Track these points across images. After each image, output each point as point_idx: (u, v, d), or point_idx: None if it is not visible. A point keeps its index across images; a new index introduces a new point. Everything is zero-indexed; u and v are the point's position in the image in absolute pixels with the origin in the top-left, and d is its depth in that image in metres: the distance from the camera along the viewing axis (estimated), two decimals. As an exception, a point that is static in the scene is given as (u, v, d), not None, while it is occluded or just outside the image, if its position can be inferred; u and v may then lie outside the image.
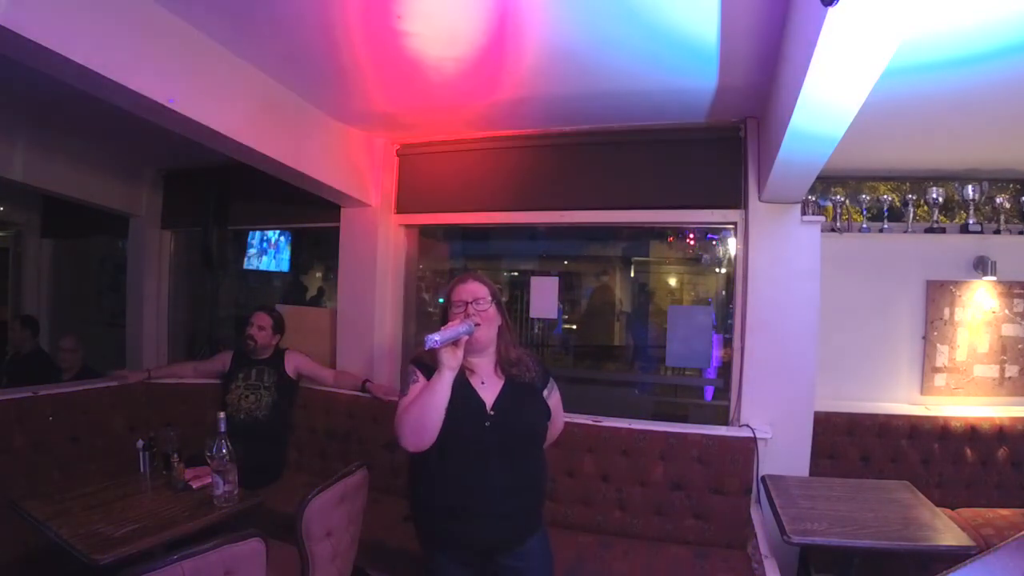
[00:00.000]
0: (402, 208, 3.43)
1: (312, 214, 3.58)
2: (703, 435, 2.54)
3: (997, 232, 2.89)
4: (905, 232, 2.96)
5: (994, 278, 2.85)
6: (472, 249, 4.32)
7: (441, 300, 1.70)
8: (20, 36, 1.52)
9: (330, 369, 3.28)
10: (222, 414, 2.13)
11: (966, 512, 2.57)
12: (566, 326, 4.43)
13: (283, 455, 3.08)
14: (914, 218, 2.98)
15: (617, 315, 4.41)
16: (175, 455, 2.26)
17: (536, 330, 4.28)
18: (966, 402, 2.92)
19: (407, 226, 3.51)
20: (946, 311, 2.98)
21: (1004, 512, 2.56)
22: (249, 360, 3.06)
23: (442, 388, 1.43)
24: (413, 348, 3.36)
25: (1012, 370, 2.93)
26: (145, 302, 4.16)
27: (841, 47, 1.29)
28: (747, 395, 2.72)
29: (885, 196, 3.02)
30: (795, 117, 1.69)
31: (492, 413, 1.55)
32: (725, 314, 3.08)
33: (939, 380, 2.98)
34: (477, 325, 1.50)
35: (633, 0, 1.76)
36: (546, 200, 3.12)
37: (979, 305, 2.95)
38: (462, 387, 1.51)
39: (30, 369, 3.61)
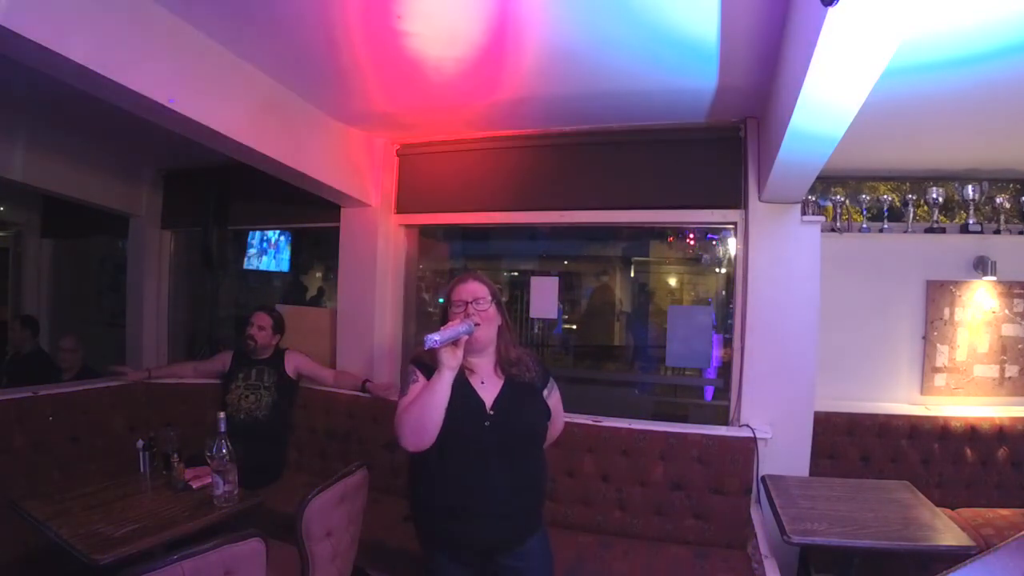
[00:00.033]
0: (402, 208, 3.44)
1: (312, 214, 3.58)
2: (703, 435, 2.54)
3: (997, 232, 2.89)
4: (905, 232, 2.96)
5: (994, 278, 2.85)
6: (472, 249, 4.32)
7: (441, 300, 1.70)
8: (20, 36, 1.52)
9: (330, 369, 3.28)
10: (222, 414, 2.13)
11: (966, 512, 2.57)
12: (566, 326, 4.43)
13: (283, 455, 3.08)
14: (914, 218, 2.98)
15: (617, 315, 4.41)
16: (175, 455, 2.26)
17: (536, 330, 4.28)
18: (966, 402, 2.92)
19: (407, 226, 3.51)
20: (946, 311, 2.98)
21: (1004, 512, 2.56)
22: (249, 360, 3.06)
23: (442, 388, 1.43)
24: (413, 348, 3.36)
25: (1012, 370, 2.93)
26: (145, 302, 4.16)
27: (841, 47, 1.29)
28: (747, 395, 2.71)
29: (885, 196, 3.02)
30: (795, 117, 1.69)
31: (492, 413, 1.55)
32: (725, 314, 3.08)
33: (939, 380, 2.98)
34: (477, 325, 1.50)
35: (633, 0, 1.76)
36: (546, 200, 3.12)
37: (979, 305, 2.95)
38: (462, 387, 1.51)
39: (30, 369, 3.61)
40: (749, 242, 2.74)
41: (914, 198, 2.98)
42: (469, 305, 1.55)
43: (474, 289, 1.58)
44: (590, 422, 2.65)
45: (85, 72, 1.74)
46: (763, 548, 2.12)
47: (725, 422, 2.80)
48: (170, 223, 4.22)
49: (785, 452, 2.60)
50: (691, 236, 3.81)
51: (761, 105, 2.51)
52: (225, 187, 3.89)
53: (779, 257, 2.70)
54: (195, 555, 1.37)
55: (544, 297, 3.39)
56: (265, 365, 3.05)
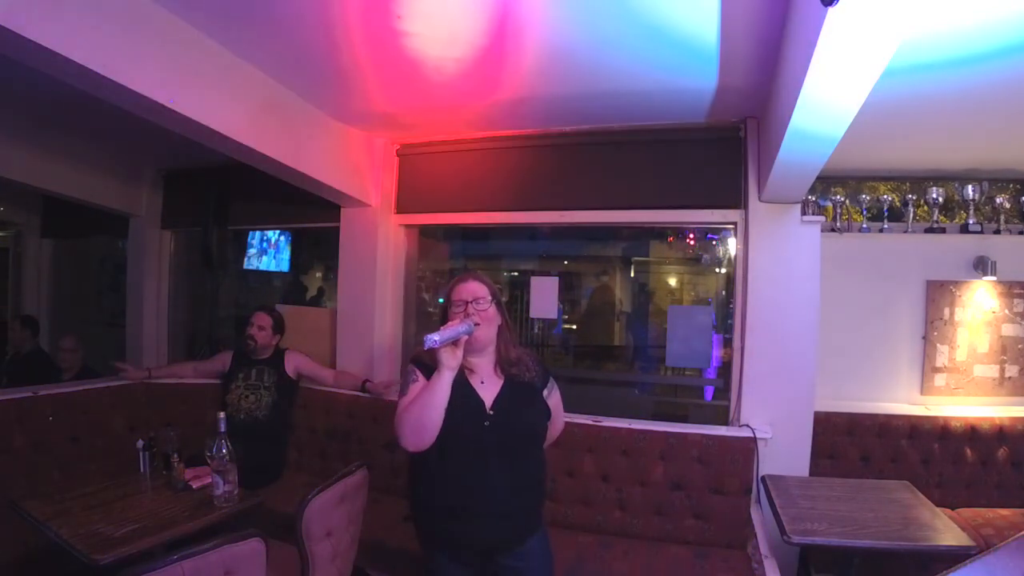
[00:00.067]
0: (402, 208, 3.44)
1: (312, 214, 3.58)
2: (703, 435, 2.54)
3: (997, 232, 2.89)
4: (905, 232, 2.96)
5: (994, 278, 2.85)
6: (472, 249, 4.32)
7: (441, 300, 1.70)
8: (20, 36, 1.52)
9: (330, 369, 3.28)
10: (222, 414, 2.13)
11: (966, 512, 2.57)
12: (566, 326, 4.43)
13: (283, 455, 3.08)
14: (914, 218, 2.98)
15: (617, 315, 4.41)
16: (175, 455, 2.26)
17: (536, 330, 4.27)
18: (966, 402, 2.92)
19: (407, 226, 3.51)
20: (946, 311, 2.98)
21: (1004, 512, 2.56)
22: (249, 360, 3.06)
23: (442, 388, 1.42)
24: (413, 348, 3.36)
25: (1012, 370, 2.93)
26: (145, 302, 4.16)
27: (841, 47, 1.29)
28: (747, 395, 2.72)
29: (885, 196, 3.02)
30: (795, 117, 1.69)
31: (491, 413, 1.55)
32: (725, 314, 3.08)
33: (939, 380, 2.98)
34: (477, 325, 1.50)
35: (633, 0, 1.76)
36: (546, 200, 3.12)
37: (979, 305, 2.95)
38: (461, 387, 1.51)
39: (30, 369, 3.61)
40: (749, 242, 2.74)
41: (914, 198, 2.98)
42: (469, 305, 1.55)
43: (474, 289, 1.58)
44: (590, 422, 2.65)
45: (85, 72, 1.74)
46: (763, 548, 2.12)
47: (725, 422, 2.80)
48: (170, 223, 4.22)
49: (785, 452, 2.60)
50: (691, 236, 3.81)
51: (761, 105, 2.51)
52: (225, 187, 3.89)
53: (779, 257, 2.70)
54: (195, 555, 1.37)
55: (544, 297, 3.39)
56: (265, 365, 3.05)
